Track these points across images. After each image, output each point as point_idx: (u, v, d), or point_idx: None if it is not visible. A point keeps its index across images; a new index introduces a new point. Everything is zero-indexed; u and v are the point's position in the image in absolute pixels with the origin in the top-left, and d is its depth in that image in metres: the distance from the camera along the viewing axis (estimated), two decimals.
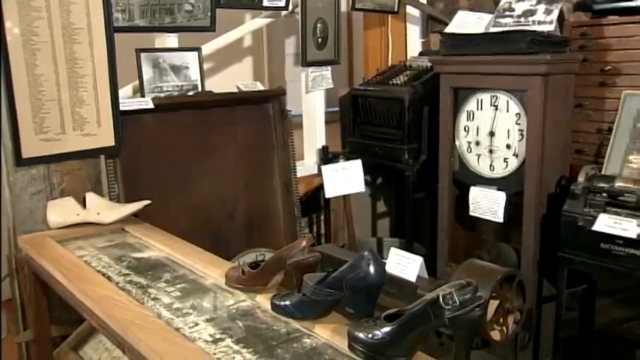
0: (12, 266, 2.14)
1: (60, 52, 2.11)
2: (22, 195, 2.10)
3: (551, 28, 2.28)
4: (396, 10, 3.60)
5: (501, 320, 1.54)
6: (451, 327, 1.15)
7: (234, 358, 1.25)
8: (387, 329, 1.18)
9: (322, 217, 3.32)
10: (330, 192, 2.83)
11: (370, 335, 1.19)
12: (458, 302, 1.13)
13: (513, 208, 2.39)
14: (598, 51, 2.48)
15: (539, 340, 2.40)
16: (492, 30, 2.44)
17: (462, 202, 2.61)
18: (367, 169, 2.95)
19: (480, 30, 2.50)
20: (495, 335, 1.53)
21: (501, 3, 2.51)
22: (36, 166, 2.11)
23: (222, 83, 3.11)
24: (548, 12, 2.32)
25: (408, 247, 2.87)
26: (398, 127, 2.92)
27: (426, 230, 3.11)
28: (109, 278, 1.69)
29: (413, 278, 1.95)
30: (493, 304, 1.52)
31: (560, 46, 2.31)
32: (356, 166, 2.84)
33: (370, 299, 1.33)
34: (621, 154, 2.25)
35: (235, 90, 2.82)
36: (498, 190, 2.43)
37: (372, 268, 1.30)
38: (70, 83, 2.15)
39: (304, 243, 1.47)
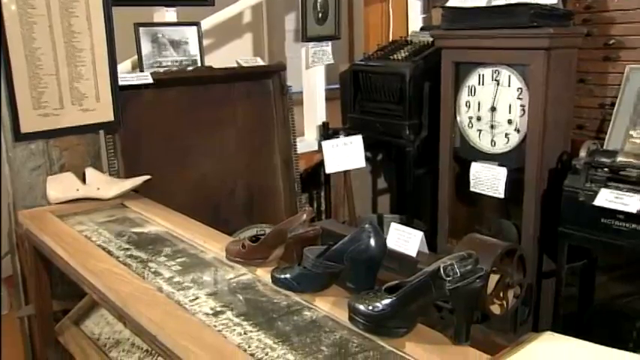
0: (12, 241, 2.14)
1: (57, 25, 2.08)
2: (22, 170, 2.09)
3: (554, 1, 2.25)
4: None
5: (501, 294, 1.54)
6: (452, 299, 1.15)
7: (234, 330, 1.25)
8: (387, 301, 1.18)
9: (323, 194, 3.31)
10: (330, 168, 2.82)
11: (371, 307, 1.19)
12: (459, 273, 1.12)
13: (514, 183, 2.39)
14: (602, 24, 2.45)
15: (539, 315, 2.41)
16: (495, 3, 2.41)
17: (462, 178, 2.60)
18: (368, 146, 2.93)
19: (483, 3, 2.47)
20: (495, 309, 1.53)
21: None
22: (35, 141, 2.10)
23: (221, 60, 3.08)
24: None
25: (408, 224, 2.86)
26: (399, 102, 2.90)
27: (426, 207, 3.11)
28: (109, 253, 1.69)
29: (413, 253, 1.95)
30: (493, 279, 1.52)
31: (563, 19, 2.28)
32: (356, 141, 2.83)
33: (371, 272, 1.32)
34: (623, 129, 2.24)
35: (235, 65, 2.80)
36: (499, 165, 2.42)
37: (372, 241, 1.30)
38: (68, 58, 2.12)
39: (304, 216, 1.47)
